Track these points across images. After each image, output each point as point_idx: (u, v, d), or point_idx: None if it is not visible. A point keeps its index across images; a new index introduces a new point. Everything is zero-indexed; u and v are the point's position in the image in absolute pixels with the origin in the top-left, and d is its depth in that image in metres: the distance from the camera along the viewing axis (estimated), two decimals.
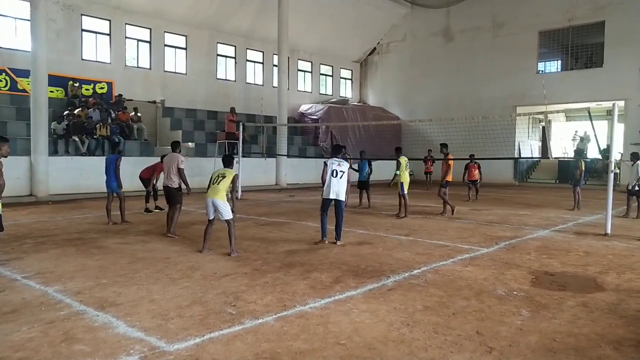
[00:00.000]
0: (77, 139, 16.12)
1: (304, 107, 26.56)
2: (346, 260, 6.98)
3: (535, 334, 4.27)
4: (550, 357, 3.82)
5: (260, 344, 3.97)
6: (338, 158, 8.44)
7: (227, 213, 7.37)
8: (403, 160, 12.06)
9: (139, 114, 19.30)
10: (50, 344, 3.92)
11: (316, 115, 25.47)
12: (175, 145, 9.39)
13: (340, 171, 8.21)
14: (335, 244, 8.12)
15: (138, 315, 4.58)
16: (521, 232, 9.77)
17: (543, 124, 25.71)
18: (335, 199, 8.23)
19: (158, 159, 17.29)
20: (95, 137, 16.71)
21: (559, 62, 25.26)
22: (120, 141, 11.21)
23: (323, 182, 8.36)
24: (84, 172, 15.75)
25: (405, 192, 11.86)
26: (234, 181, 7.42)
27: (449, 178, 12.58)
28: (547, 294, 5.46)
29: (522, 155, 24.82)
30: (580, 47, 23.61)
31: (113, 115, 18.36)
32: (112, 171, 10.29)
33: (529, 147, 25.98)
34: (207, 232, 7.59)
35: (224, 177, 7.37)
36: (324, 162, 8.44)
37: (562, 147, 26.72)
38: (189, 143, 20.09)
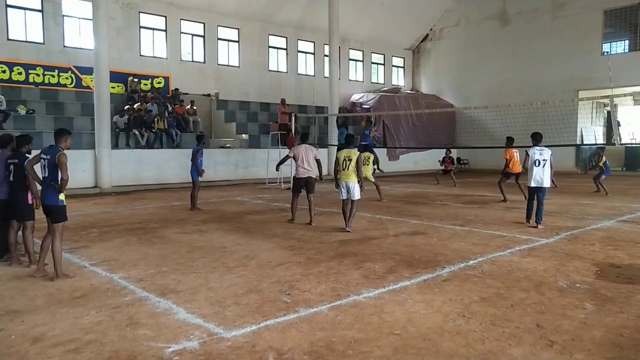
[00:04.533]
0: (137, 133, 16.79)
1: (355, 97, 26.40)
2: (399, 251, 6.92)
3: (601, 329, 4.08)
4: (617, 353, 3.64)
5: (315, 332, 4.01)
6: (540, 146, 8.85)
7: (357, 194, 8.38)
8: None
9: (194, 107, 19.85)
10: (117, 327, 4.12)
11: (368, 105, 25.25)
12: (305, 137, 10.20)
13: (543, 160, 8.69)
14: (536, 227, 8.63)
15: (197, 302, 4.74)
16: (584, 222, 9.34)
17: (608, 108, 24.35)
18: (538, 187, 8.73)
19: (214, 150, 17.84)
20: (153, 130, 17.35)
21: (627, 42, 23.70)
22: (203, 134, 12.57)
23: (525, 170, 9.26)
24: (143, 165, 16.43)
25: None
26: (358, 161, 8.30)
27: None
28: (613, 287, 5.20)
29: (585, 142, 23.64)
30: None
31: (170, 108, 18.98)
32: (192, 161, 11.13)
33: (592, 134, 24.70)
34: (344, 212, 8.49)
35: (350, 160, 8.30)
36: (526, 152, 9.08)
37: (629, 133, 25.22)
38: (243, 135, 20.49)
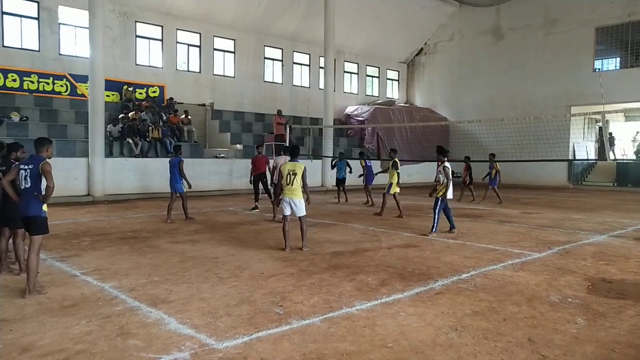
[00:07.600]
0: (131, 141, 16.75)
1: (350, 109, 26.54)
2: (392, 263, 6.92)
3: (592, 344, 4.09)
4: None
5: (307, 344, 3.99)
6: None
7: (302, 210, 7.76)
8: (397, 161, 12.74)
9: (189, 117, 19.85)
10: (107, 337, 4.08)
11: (362, 117, 25.38)
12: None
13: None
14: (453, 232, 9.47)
15: (188, 313, 4.71)
16: (576, 236, 9.39)
17: (600, 124, 24.62)
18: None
19: (208, 159, 17.83)
20: (147, 139, 17.32)
21: (618, 59, 24.08)
22: (180, 145, 12.86)
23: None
24: (137, 173, 16.38)
25: (390, 192, 12.25)
26: (303, 175, 7.72)
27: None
28: (605, 302, 5.23)
29: (577, 157, 23.86)
30: None
31: (164, 118, 18.99)
32: (177, 173, 10.88)
33: (584, 149, 24.94)
34: (285, 230, 7.80)
35: (295, 174, 7.69)
36: (443, 165, 9.30)
37: (620, 149, 25.49)
38: (237, 145, 20.49)
